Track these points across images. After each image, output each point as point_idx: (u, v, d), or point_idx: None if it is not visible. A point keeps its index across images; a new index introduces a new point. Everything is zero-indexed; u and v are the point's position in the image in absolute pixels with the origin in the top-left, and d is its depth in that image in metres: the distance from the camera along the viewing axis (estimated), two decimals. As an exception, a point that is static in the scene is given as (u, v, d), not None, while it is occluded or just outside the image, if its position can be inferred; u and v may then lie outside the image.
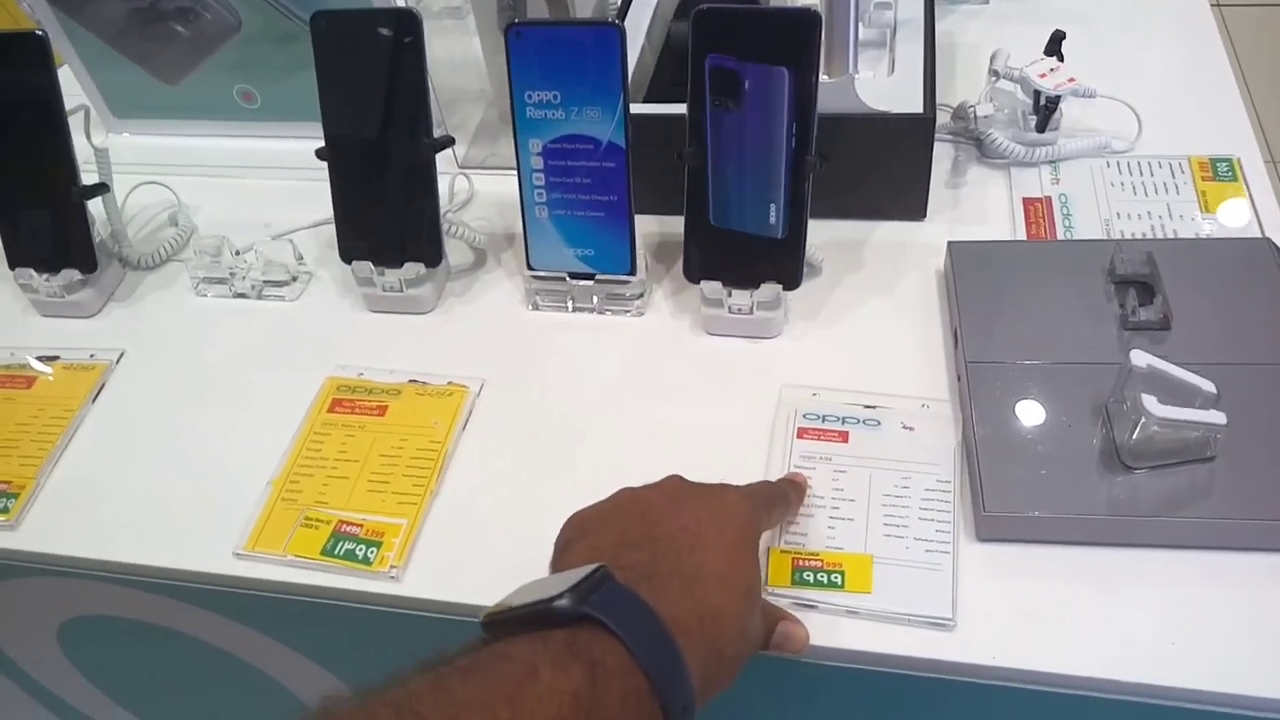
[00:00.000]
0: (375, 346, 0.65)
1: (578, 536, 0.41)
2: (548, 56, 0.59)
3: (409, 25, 0.61)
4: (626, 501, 0.43)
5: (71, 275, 0.69)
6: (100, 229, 0.71)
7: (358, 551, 0.53)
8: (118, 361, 0.67)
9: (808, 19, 0.55)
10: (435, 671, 0.34)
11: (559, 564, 0.41)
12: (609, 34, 0.58)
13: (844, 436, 0.54)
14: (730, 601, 0.39)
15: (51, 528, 0.58)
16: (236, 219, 0.76)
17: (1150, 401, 0.47)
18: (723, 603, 0.38)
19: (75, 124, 0.68)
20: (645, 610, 0.36)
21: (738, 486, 0.45)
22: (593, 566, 0.36)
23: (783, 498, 0.49)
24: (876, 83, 0.67)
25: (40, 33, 0.65)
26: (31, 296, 0.70)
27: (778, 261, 0.60)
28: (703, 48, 0.56)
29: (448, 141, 0.65)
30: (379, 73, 0.63)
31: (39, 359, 0.67)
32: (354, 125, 0.64)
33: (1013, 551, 0.49)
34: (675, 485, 0.44)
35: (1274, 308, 0.55)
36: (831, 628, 0.47)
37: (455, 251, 0.69)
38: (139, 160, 0.81)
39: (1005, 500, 0.49)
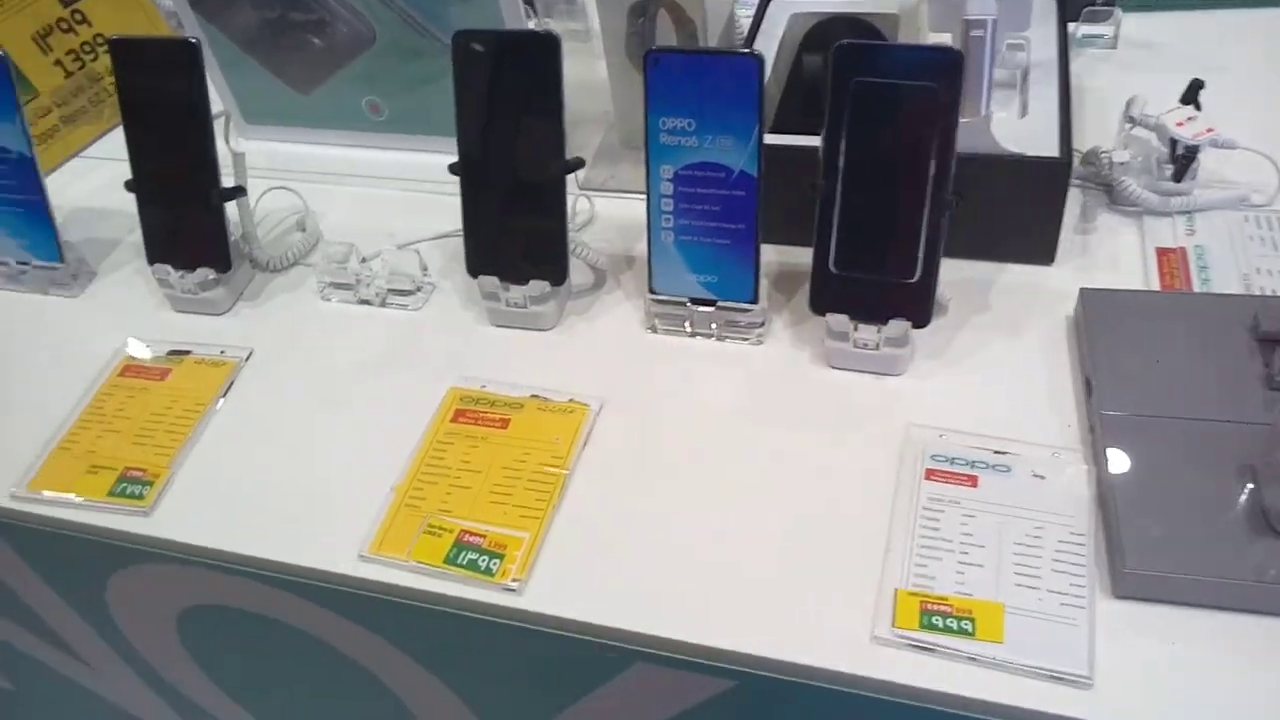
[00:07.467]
0: (497, 360, 0.66)
1: None
2: (685, 84, 0.60)
3: (549, 47, 0.62)
4: None
5: (206, 274, 0.71)
6: (233, 230, 0.73)
7: (480, 562, 0.54)
8: (247, 359, 0.69)
9: (951, 54, 0.55)
10: None
11: None
12: (748, 64, 0.59)
13: (973, 480, 0.54)
14: None
15: (182, 516, 0.60)
16: (360, 226, 0.78)
17: (1307, 467, 0.46)
18: None
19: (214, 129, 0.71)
20: None
21: None
22: None
23: None
24: (1009, 124, 0.67)
25: (194, 40, 0.68)
26: (166, 292, 0.73)
27: (908, 299, 0.59)
28: (845, 78, 0.57)
29: (578, 163, 0.65)
30: (516, 92, 0.64)
31: (170, 353, 0.70)
32: (488, 143, 0.65)
33: (1152, 611, 0.48)
34: None
35: None
36: (960, 675, 0.47)
37: (576, 271, 0.70)
38: (268, 165, 0.83)
39: (1147, 559, 0.48)
